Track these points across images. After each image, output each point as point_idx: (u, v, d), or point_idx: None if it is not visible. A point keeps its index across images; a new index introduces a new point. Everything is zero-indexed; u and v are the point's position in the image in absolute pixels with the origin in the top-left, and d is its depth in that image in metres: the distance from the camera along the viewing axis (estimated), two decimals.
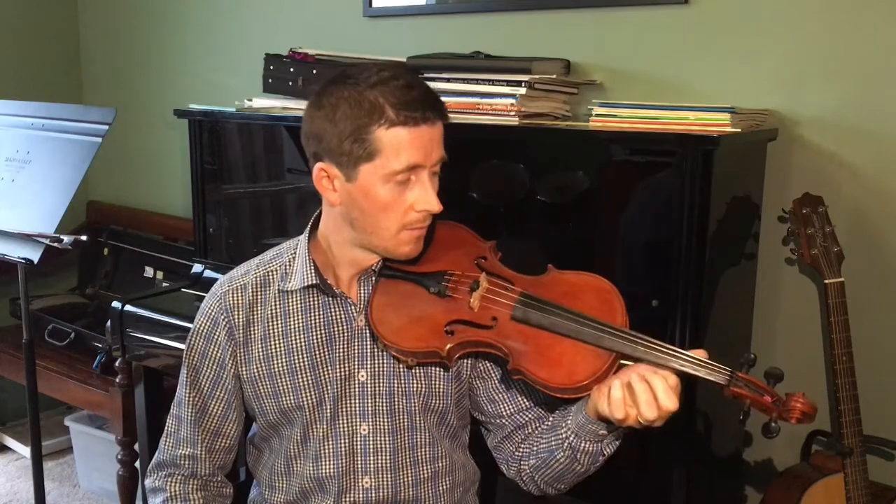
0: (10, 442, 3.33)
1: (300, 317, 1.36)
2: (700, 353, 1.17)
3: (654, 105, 1.83)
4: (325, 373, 1.35)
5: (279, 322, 1.37)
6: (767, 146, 1.96)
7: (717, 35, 2.01)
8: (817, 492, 1.79)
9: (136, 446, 2.54)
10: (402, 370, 1.35)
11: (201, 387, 1.41)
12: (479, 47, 2.18)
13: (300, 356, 1.36)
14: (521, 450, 1.38)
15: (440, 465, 1.40)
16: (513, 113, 1.91)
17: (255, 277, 1.39)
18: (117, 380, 2.51)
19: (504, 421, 1.39)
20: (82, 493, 3.01)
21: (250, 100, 2.42)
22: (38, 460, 2.20)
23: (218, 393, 1.40)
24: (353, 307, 1.35)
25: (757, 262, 2.02)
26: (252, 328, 1.37)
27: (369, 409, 1.35)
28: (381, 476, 1.36)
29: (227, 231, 2.47)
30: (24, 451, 3.22)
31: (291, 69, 2.29)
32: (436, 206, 1.25)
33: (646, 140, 1.76)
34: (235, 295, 1.38)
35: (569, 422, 1.27)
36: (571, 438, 1.26)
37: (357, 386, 1.35)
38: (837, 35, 1.87)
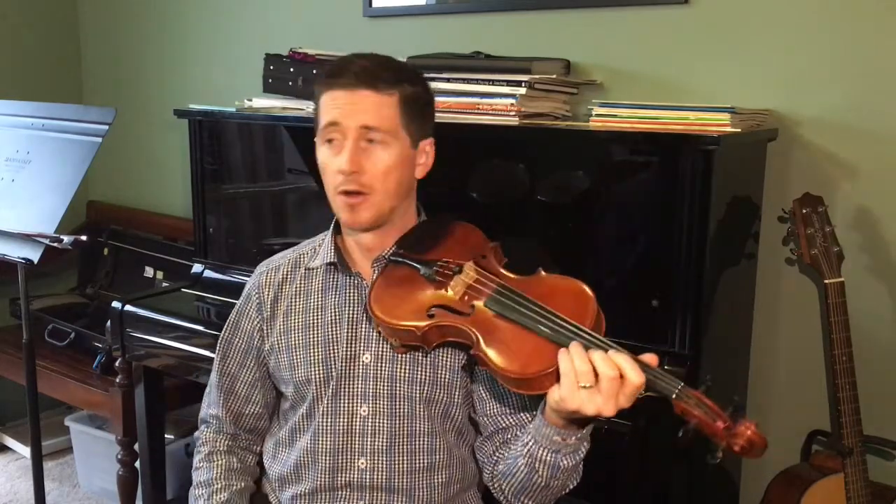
0: (10, 442, 3.33)
1: (319, 295, 1.46)
2: (651, 359, 1.15)
3: (654, 105, 1.83)
4: (334, 351, 1.42)
5: (301, 299, 1.47)
6: (767, 146, 1.96)
7: (717, 35, 2.01)
8: (817, 492, 1.79)
9: (136, 446, 2.54)
10: (407, 358, 1.39)
11: (232, 356, 1.54)
12: (479, 47, 2.18)
13: (315, 332, 1.44)
14: (497, 453, 1.39)
15: (437, 458, 1.41)
16: (513, 113, 1.91)
17: (289, 260, 1.52)
18: (117, 380, 2.50)
19: (487, 420, 1.41)
20: (82, 493, 3.01)
21: (250, 100, 2.42)
22: (38, 460, 2.20)
23: (248, 362, 1.53)
24: (366, 290, 1.41)
25: (757, 262, 2.02)
26: (279, 304, 1.49)
27: (370, 390, 1.40)
28: (377, 458, 1.39)
29: (227, 231, 2.47)
30: (24, 451, 3.22)
31: (291, 69, 2.29)
32: (343, 164, 1.32)
33: (646, 140, 1.76)
34: (270, 275, 1.51)
35: (531, 426, 1.27)
36: (531, 444, 1.25)
37: (360, 367, 1.41)
38: (837, 35, 1.87)
